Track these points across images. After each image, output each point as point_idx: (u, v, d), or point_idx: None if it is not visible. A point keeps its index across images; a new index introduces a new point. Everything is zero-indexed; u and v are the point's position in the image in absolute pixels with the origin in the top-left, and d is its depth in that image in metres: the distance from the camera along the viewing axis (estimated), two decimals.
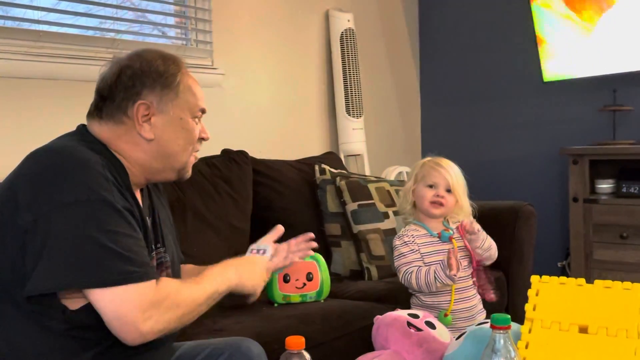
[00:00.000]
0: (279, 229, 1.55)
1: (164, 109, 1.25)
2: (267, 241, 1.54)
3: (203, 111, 1.34)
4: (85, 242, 1.07)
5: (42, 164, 1.13)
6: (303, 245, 1.60)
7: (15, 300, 1.10)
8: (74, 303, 1.11)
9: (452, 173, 1.84)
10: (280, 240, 1.57)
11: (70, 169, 1.11)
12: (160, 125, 1.25)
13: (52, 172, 1.11)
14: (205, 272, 1.28)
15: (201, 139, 1.34)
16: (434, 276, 1.74)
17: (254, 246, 1.53)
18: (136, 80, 1.24)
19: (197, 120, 1.32)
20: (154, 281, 1.12)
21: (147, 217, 1.29)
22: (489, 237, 1.85)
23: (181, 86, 1.27)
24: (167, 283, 1.16)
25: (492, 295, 1.84)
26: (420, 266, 1.79)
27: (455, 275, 1.71)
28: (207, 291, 1.23)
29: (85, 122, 1.30)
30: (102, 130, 1.25)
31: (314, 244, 1.62)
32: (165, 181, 1.36)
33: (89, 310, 1.10)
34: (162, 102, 1.25)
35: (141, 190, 1.33)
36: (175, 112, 1.27)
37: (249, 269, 1.37)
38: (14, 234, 1.09)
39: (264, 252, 1.49)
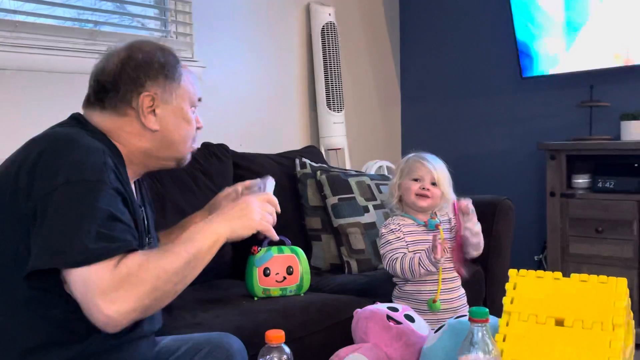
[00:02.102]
0: None
1: (167, 100, 1.29)
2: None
3: (200, 100, 1.37)
4: (61, 222, 1.06)
5: (41, 149, 1.13)
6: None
7: (15, 288, 1.10)
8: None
9: (436, 166, 1.87)
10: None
11: (68, 152, 1.12)
12: (164, 116, 1.28)
13: (49, 157, 1.11)
14: (184, 234, 1.20)
15: (197, 128, 1.37)
16: (419, 263, 1.76)
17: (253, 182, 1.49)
18: (140, 72, 1.26)
19: (194, 109, 1.36)
20: (112, 261, 1.06)
21: (141, 209, 1.31)
22: (480, 225, 1.85)
23: (182, 77, 1.32)
24: (129, 260, 1.08)
25: (462, 271, 1.85)
26: (405, 253, 1.81)
27: (438, 261, 1.72)
28: (183, 256, 1.14)
29: (67, 112, 1.30)
30: (103, 120, 1.26)
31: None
32: (163, 169, 1.39)
33: None
34: (166, 93, 1.28)
35: (133, 183, 1.33)
36: (178, 102, 1.31)
37: (239, 214, 1.26)
38: (16, 221, 1.09)
39: (264, 187, 1.45)
